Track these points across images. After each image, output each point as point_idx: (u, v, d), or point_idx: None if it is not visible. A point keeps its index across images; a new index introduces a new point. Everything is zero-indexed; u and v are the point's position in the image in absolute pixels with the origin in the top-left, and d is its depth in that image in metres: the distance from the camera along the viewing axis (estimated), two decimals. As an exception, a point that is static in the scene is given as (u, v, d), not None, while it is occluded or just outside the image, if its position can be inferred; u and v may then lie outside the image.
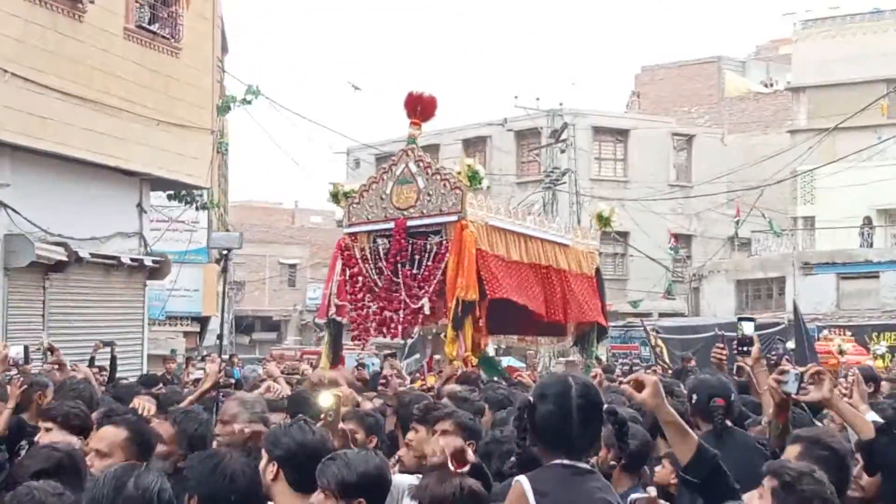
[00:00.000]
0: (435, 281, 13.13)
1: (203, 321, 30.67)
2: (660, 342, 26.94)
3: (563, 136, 41.76)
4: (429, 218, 13.41)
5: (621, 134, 45.89)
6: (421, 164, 13.56)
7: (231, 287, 40.13)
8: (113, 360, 16.72)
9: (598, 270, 16.57)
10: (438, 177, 13.42)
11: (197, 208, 23.89)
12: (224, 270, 9.20)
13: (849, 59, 41.82)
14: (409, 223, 13.49)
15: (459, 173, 13.29)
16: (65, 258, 18.15)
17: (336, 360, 14.06)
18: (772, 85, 52.99)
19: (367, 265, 13.81)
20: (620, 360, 29.26)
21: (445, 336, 13.21)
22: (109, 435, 5.59)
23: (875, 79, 40.59)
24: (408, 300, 13.27)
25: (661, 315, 40.11)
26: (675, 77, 52.03)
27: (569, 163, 41.93)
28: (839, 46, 42.61)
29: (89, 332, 18.44)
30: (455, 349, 12.63)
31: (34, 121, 17.10)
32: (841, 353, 21.78)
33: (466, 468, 4.89)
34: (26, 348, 8.12)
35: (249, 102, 24.55)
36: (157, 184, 21.32)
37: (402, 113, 13.66)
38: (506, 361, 26.08)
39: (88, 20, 18.34)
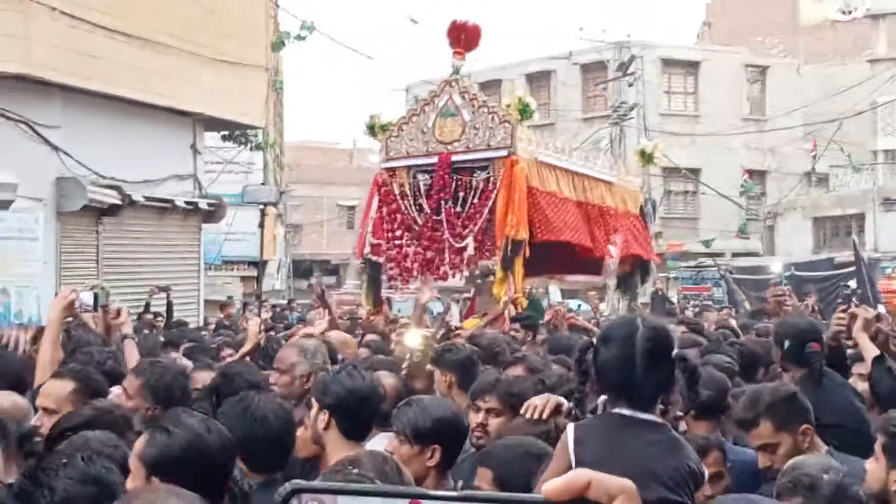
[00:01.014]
0: (481, 219, 12.58)
1: (261, 265, 30.05)
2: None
3: (631, 70, 40.75)
4: (475, 153, 12.82)
5: (691, 66, 44.59)
6: (466, 97, 12.92)
7: (288, 230, 39.79)
8: (169, 305, 16.68)
9: (642, 209, 16.22)
10: (486, 109, 12.80)
11: (251, 149, 23.43)
12: (261, 226, 8.68)
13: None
14: (454, 158, 12.88)
15: (509, 106, 12.71)
16: (118, 201, 17.95)
17: (377, 301, 13.55)
18: (850, 12, 51.42)
19: (405, 202, 13.20)
20: (692, 302, 28.46)
21: (492, 277, 12.75)
22: (56, 389, 5.40)
23: (959, 4, 39.09)
24: (451, 239, 12.72)
25: (735, 255, 39.20)
26: (748, 6, 50.58)
27: (637, 97, 40.95)
28: (922, -29, 41.11)
29: (144, 277, 18.26)
30: (504, 290, 12.11)
31: (84, 60, 16.71)
32: None
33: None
34: (96, 295, 7.59)
35: (304, 38, 23.94)
36: (211, 124, 20.94)
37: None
38: (573, 304, 25.40)
39: (138, -45, 17.80)
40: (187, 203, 19.61)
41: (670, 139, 41.02)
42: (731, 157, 41.58)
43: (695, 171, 42.12)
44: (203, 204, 20.14)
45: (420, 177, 13.13)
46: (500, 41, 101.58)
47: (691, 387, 4.09)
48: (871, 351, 6.32)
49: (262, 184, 26.09)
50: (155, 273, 18.68)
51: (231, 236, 24.92)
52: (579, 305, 23.39)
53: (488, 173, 12.63)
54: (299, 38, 24.22)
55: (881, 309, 7.13)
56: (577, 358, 4.11)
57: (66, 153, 16.97)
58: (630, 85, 40.76)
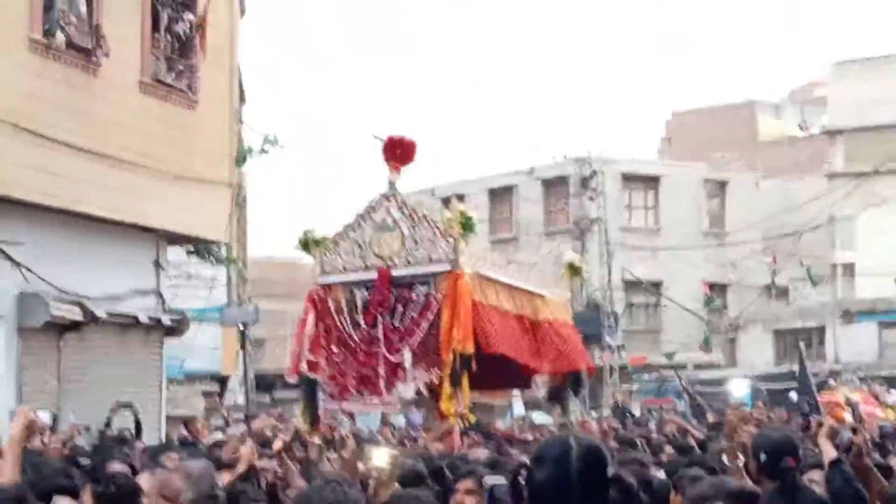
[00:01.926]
0: (420, 333, 12.48)
1: (223, 380, 30.05)
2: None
3: (592, 184, 41.21)
4: (417, 267, 12.77)
5: (652, 181, 45.09)
6: (405, 211, 12.96)
7: (251, 344, 39.70)
8: (137, 422, 16.39)
9: (574, 319, 16.25)
10: (426, 223, 12.83)
11: (214, 263, 23.44)
12: (242, 347, 8.69)
13: (886, 101, 40.87)
14: (395, 273, 12.84)
15: (450, 220, 12.69)
16: (80, 318, 17.83)
17: (315, 420, 13.30)
18: (807, 128, 52.24)
19: (341, 318, 13.10)
20: (656, 414, 28.51)
21: (432, 393, 12.65)
22: None
23: (913, 120, 39.71)
24: (387, 354, 12.59)
25: (697, 367, 39.32)
26: (707, 121, 51.28)
27: (598, 212, 41.33)
28: (875, 88, 41.67)
29: (106, 393, 18.03)
30: (453, 406, 12.03)
31: (48, 178, 16.76)
32: (848, 403, 21.09)
33: None
34: (55, 415, 7.60)
35: (266, 152, 24.07)
36: (175, 239, 20.91)
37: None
38: (537, 416, 25.45)
39: (103, 74, 18.03)
40: (150, 318, 19.52)
41: (632, 253, 41.43)
42: (692, 270, 41.90)
43: (656, 285, 42.46)
44: (166, 319, 20.06)
45: (357, 292, 13.04)
46: (462, 157, 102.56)
47: None
48: (830, 454, 6.43)
49: (238, 304, 26.09)
50: (117, 389, 18.52)
51: (194, 350, 24.82)
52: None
53: (429, 287, 12.56)
54: (262, 151, 24.40)
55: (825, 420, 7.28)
56: (511, 480, 3.96)
57: (28, 269, 16.93)
58: (591, 200, 41.18)
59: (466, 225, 12.59)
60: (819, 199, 38.56)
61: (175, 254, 22.74)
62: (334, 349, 13.07)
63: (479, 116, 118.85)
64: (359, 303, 12.97)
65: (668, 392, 34.11)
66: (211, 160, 20.49)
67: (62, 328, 17.73)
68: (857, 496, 6.29)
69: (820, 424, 6.72)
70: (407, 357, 12.44)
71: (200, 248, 23.29)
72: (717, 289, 43.72)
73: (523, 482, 3.74)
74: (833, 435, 6.56)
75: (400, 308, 12.66)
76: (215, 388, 30.22)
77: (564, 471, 3.63)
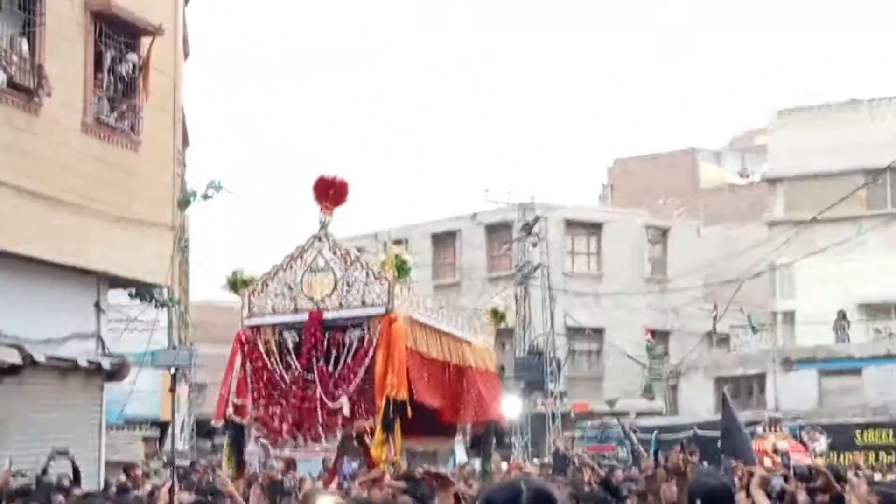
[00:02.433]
0: (357, 378, 12.13)
1: (163, 426, 29.67)
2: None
3: (535, 230, 41.24)
4: (349, 310, 12.39)
5: (594, 227, 45.31)
6: (337, 252, 12.58)
7: (192, 390, 39.28)
8: (75, 469, 16.12)
9: (500, 368, 16.06)
10: (359, 265, 12.46)
11: (156, 307, 23.17)
12: (171, 390, 8.44)
13: (826, 150, 41.24)
14: (326, 315, 12.44)
15: (384, 263, 12.38)
16: (19, 362, 17.59)
17: (240, 466, 12.93)
18: (748, 176, 52.78)
19: (272, 359, 12.66)
20: (598, 462, 28.39)
21: (361, 440, 12.23)
22: None
23: (853, 169, 39.82)
24: (325, 398, 12.17)
25: (639, 414, 39.38)
26: (649, 168, 51.72)
27: (541, 257, 41.33)
28: (816, 136, 42.07)
29: (44, 438, 17.76)
30: (384, 452, 11.67)
31: (-13, 218, 16.48)
32: (776, 451, 21.20)
33: None
34: None
35: (211, 197, 23.88)
36: (116, 282, 20.67)
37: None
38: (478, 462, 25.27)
39: (45, 114, 17.89)
40: (90, 362, 19.27)
41: (574, 299, 41.53)
42: (634, 316, 42.06)
43: (598, 331, 42.59)
44: (106, 363, 19.80)
45: (287, 334, 12.65)
46: (405, 201, 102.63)
47: None
48: None
49: (172, 347, 25.83)
50: (55, 434, 18.26)
51: (135, 395, 24.52)
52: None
53: (363, 331, 12.24)
54: (206, 196, 24.19)
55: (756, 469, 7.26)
56: None
57: (-33, 311, 16.70)
58: (534, 245, 41.20)
59: (401, 268, 12.34)
60: (760, 247, 38.79)
61: (116, 297, 22.49)
62: (263, 392, 12.66)
63: (422, 161, 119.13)
64: (290, 345, 12.57)
65: (610, 439, 34.07)
66: (153, 202, 20.32)
67: (0, 372, 17.44)
68: None
69: (751, 474, 6.56)
70: (345, 404, 12.07)
71: (142, 291, 23.02)
72: (659, 335, 43.89)
73: None
74: (765, 484, 6.50)
75: (334, 352, 12.31)
76: (156, 433, 29.86)
77: None
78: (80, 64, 18.93)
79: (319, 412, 12.20)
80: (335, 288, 12.42)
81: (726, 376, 40.25)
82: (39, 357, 17.92)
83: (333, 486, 12.61)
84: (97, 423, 20.10)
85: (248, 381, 12.71)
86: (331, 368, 12.27)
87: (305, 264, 12.67)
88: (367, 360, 12.08)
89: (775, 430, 27.45)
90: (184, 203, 23.02)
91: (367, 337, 12.18)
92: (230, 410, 12.71)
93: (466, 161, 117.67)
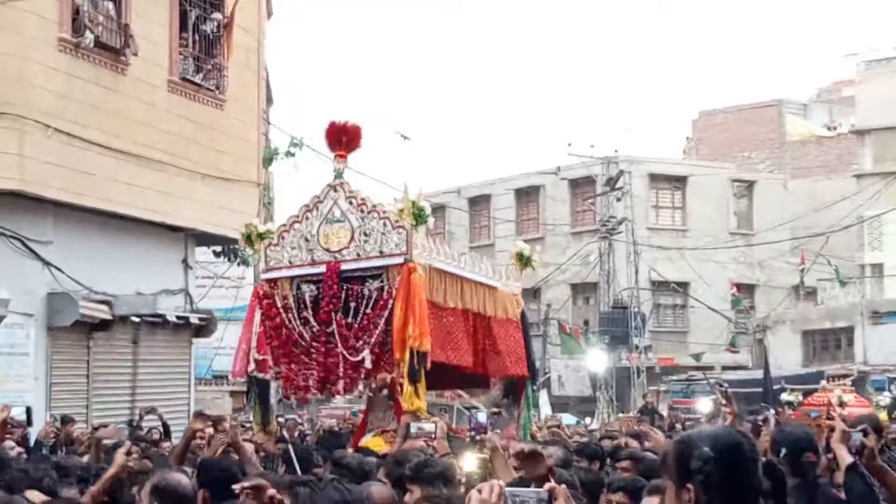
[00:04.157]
0: (377, 331, 11.74)
1: (251, 380, 29.64)
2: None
3: (619, 184, 41.00)
4: (367, 261, 12.04)
5: (679, 181, 44.92)
6: (353, 202, 12.21)
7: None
8: (164, 424, 16.24)
9: (522, 315, 15.11)
10: (376, 214, 12.09)
11: (239, 264, 23.40)
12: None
13: (915, 100, 40.64)
14: (344, 267, 12.11)
15: (402, 210, 11.99)
16: (109, 317, 17.84)
17: (267, 421, 12.78)
18: (835, 128, 51.91)
19: (289, 315, 12.34)
20: (684, 416, 28.29)
21: (382, 391, 12.12)
22: None
23: (943, 119, 39.36)
24: (345, 353, 11.83)
25: (725, 368, 39.16)
26: (734, 121, 51.05)
27: (625, 211, 41.09)
28: (904, 87, 41.41)
29: (134, 392, 18.13)
30: (422, 403, 11.44)
31: (77, 177, 16.80)
32: (841, 404, 20.86)
33: None
34: (29, 409, 7.46)
35: (293, 154, 24.06)
36: (202, 239, 20.92)
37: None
38: (567, 418, 25.35)
39: (132, 73, 18.08)
40: (178, 318, 19.57)
41: (659, 253, 41.26)
42: (720, 270, 41.70)
43: (683, 285, 42.26)
44: (194, 318, 20.10)
45: (305, 287, 12.30)
46: (488, 156, 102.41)
47: None
48: (846, 460, 6.31)
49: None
50: (145, 388, 18.62)
51: (221, 351, 24.82)
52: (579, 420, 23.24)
53: (382, 282, 11.89)
54: (289, 153, 24.41)
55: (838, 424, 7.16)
56: (702, 470, 3.77)
57: (57, 268, 16.99)
58: (618, 200, 40.96)
59: (419, 216, 11.93)
60: (847, 200, 38.29)
61: (203, 254, 22.78)
62: (284, 348, 12.35)
63: (505, 116, 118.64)
64: (307, 299, 12.22)
65: (695, 393, 33.90)
66: (239, 159, 20.51)
67: (91, 327, 17.78)
68: (876, 499, 6.21)
69: (832, 429, 6.51)
70: (367, 356, 11.74)
71: (227, 248, 23.28)
72: (745, 289, 43.44)
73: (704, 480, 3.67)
74: (846, 439, 6.44)
75: (353, 304, 11.93)
76: (243, 388, 30.05)
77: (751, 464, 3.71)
78: (165, 23, 19.13)
79: (342, 366, 11.91)
80: (352, 238, 12.13)
81: (813, 329, 39.90)
82: (129, 313, 18.23)
83: (365, 440, 12.08)
84: (186, 378, 20.43)
85: (268, 336, 12.47)
86: (350, 320, 11.92)
87: (322, 215, 12.36)
88: (386, 312, 11.72)
89: (841, 382, 27.06)
90: (267, 160, 23.26)
91: (386, 287, 11.84)
92: (252, 366, 12.52)
93: (549, 115, 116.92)
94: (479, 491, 3.69)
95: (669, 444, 4.08)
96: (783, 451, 6.49)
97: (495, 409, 17.04)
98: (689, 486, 3.62)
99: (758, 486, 3.72)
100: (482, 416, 14.06)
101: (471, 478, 5.06)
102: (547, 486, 3.85)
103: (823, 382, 26.23)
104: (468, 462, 4.99)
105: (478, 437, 11.28)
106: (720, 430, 4.10)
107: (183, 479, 6.14)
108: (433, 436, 9.51)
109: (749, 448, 3.71)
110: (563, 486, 3.83)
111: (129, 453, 6.68)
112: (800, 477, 6.32)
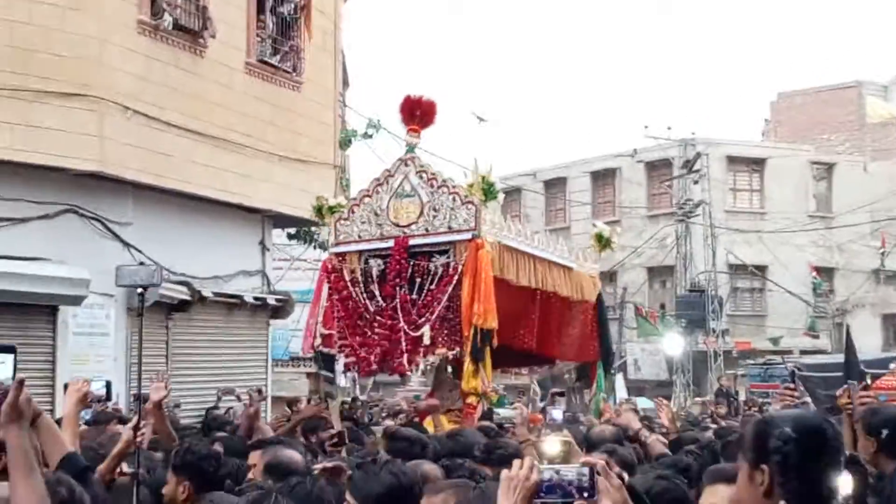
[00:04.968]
0: (439, 307, 11.71)
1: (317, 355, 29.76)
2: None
3: (696, 167, 40.64)
4: (436, 236, 12.08)
5: (757, 163, 44.44)
6: (424, 176, 12.21)
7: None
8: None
9: (599, 297, 15.13)
10: (446, 189, 12.07)
11: (316, 247, 23.46)
12: (140, 315, 8.27)
13: None
14: (412, 241, 12.13)
15: (472, 186, 11.96)
16: (188, 297, 18.01)
17: (332, 396, 12.78)
18: (917, 109, 51.10)
19: (356, 289, 12.38)
20: (762, 400, 27.98)
21: (447, 369, 12.18)
22: None
23: None
24: (406, 328, 11.85)
25: (803, 352, 38.66)
26: (813, 103, 50.38)
27: (702, 194, 40.77)
28: None
29: (213, 372, 18.29)
30: (478, 383, 11.39)
31: (156, 158, 16.89)
32: None
33: None
34: (108, 384, 7.50)
35: (371, 136, 24.09)
36: (279, 221, 20.99)
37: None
38: (641, 401, 25.13)
39: (210, 55, 18.14)
40: (256, 299, 19.68)
41: (736, 236, 40.87)
42: (798, 254, 41.26)
43: (761, 269, 41.86)
44: (271, 300, 20.19)
45: (372, 262, 12.35)
46: (564, 139, 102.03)
47: None
48: None
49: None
50: (224, 368, 18.75)
51: (298, 332, 24.89)
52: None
53: (448, 257, 11.87)
54: (366, 136, 24.46)
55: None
56: (779, 450, 3.70)
57: (137, 249, 17.09)
58: (695, 182, 40.62)
59: (488, 192, 11.91)
60: (928, 182, 37.69)
61: (279, 236, 22.88)
62: (349, 322, 12.36)
63: (581, 98, 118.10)
64: (374, 273, 12.31)
65: (774, 377, 33.50)
66: (316, 141, 20.56)
67: (170, 308, 17.93)
68: None
69: None
70: (426, 333, 11.72)
71: (302, 231, 23.38)
72: (824, 273, 42.96)
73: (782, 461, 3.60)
74: None
75: (417, 279, 11.96)
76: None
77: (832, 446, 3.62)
78: (242, 5, 19.19)
79: (403, 342, 11.88)
80: (421, 213, 12.12)
81: (895, 313, 39.35)
82: (207, 293, 18.35)
83: (428, 421, 11.83)
84: (264, 359, 20.54)
85: (335, 310, 12.46)
86: (414, 296, 11.92)
87: (392, 189, 12.37)
88: (450, 288, 11.69)
89: None
90: (344, 143, 23.29)
91: (452, 263, 11.80)
92: (318, 341, 12.59)
93: (626, 97, 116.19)
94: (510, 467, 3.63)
95: (750, 423, 3.95)
96: (884, 432, 6.20)
97: (558, 391, 16.94)
98: (764, 466, 3.55)
99: (836, 475, 3.60)
100: (557, 413, 13.95)
101: (553, 462, 4.95)
102: (584, 458, 3.77)
103: (892, 366, 25.82)
104: (550, 445, 4.88)
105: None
106: (804, 412, 4.05)
107: (295, 455, 6.20)
108: (514, 422, 9.45)
109: (833, 435, 3.62)
110: (604, 460, 3.73)
111: (136, 428, 6.68)
112: None
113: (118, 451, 6.71)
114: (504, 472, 3.61)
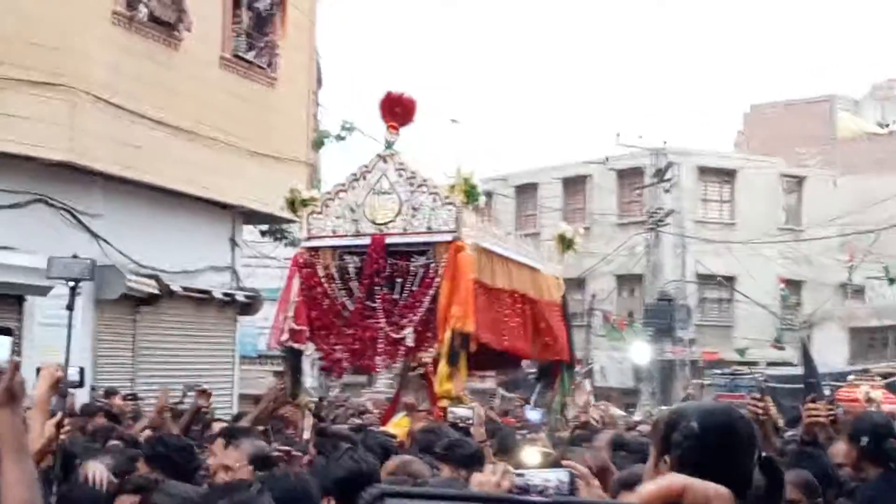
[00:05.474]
0: (422, 309, 11.43)
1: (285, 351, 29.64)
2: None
3: (668, 176, 40.76)
4: (415, 236, 11.70)
5: (728, 174, 44.55)
6: (403, 174, 11.84)
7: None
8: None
9: (563, 299, 14.87)
10: (426, 189, 11.74)
11: (286, 245, 23.39)
12: (70, 308, 8.16)
13: (969, 98, 40.25)
14: (389, 240, 11.76)
15: (453, 187, 11.64)
16: (156, 291, 17.93)
17: (297, 393, 12.01)
18: (887, 125, 51.43)
19: (332, 285, 11.97)
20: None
21: (419, 373, 11.93)
22: None
23: None
24: (387, 329, 11.50)
25: (770, 364, 38.80)
26: (785, 116, 50.61)
27: (673, 203, 40.88)
28: (960, 86, 41.04)
29: (180, 367, 18.17)
30: (453, 387, 11.04)
31: (127, 150, 16.84)
32: (869, 401, 20.57)
33: None
34: (82, 370, 7.41)
35: (344, 139, 24.02)
36: (250, 217, 20.93)
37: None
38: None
39: (184, 48, 18.11)
40: (225, 294, 19.60)
41: (706, 246, 40.99)
42: (767, 265, 41.42)
43: (730, 279, 42.02)
44: (240, 296, 20.12)
45: (348, 258, 11.98)
46: (536, 145, 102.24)
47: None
48: None
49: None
50: (191, 364, 18.63)
51: (266, 330, 24.76)
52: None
53: (428, 258, 11.57)
54: (339, 137, 24.38)
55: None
56: (683, 444, 3.50)
57: (106, 241, 17.01)
58: (666, 191, 40.74)
59: (470, 193, 11.62)
60: (897, 198, 37.87)
61: (249, 233, 22.80)
62: (323, 320, 11.99)
63: (553, 105, 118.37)
64: (351, 271, 11.88)
65: (739, 388, 33.59)
66: (289, 138, 20.50)
67: (138, 301, 17.83)
68: None
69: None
70: (409, 335, 11.44)
71: (273, 228, 23.30)
72: (792, 285, 43.14)
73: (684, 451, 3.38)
74: None
75: (398, 279, 11.62)
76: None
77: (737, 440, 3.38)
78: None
79: (382, 342, 11.60)
80: (399, 212, 11.77)
81: (861, 327, 39.56)
82: (176, 287, 18.27)
83: (394, 421, 11.87)
84: (231, 356, 20.47)
85: (308, 306, 12.05)
86: (395, 296, 11.62)
87: (369, 185, 11.98)
88: (432, 290, 11.43)
89: (871, 380, 26.70)
90: (318, 143, 23.21)
91: (432, 265, 11.52)
92: (285, 336, 12.11)
93: (598, 105, 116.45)
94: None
95: (664, 412, 3.82)
96: (864, 439, 6.21)
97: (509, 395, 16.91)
98: (666, 458, 3.35)
99: (741, 479, 3.28)
100: (534, 414, 13.78)
101: None
102: (566, 463, 3.65)
103: (851, 377, 25.93)
104: (530, 457, 4.75)
105: (528, 436, 11.13)
106: (718, 406, 3.79)
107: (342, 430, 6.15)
108: (470, 421, 9.37)
109: (745, 434, 3.36)
110: (587, 467, 3.64)
111: (59, 426, 6.50)
112: (883, 466, 6.07)
113: (40, 447, 6.56)
114: (475, 477, 3.51)
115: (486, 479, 3.46)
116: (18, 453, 3.72)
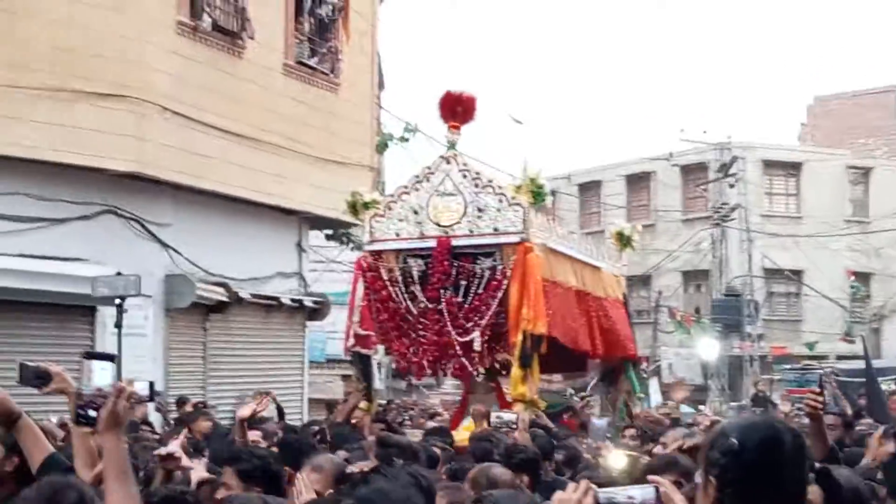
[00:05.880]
0: (489, 312, 11.36)
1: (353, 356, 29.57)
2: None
3: (732, 171, 40.39)
4: (481, 237, 11.63)
5: (794, 167, 44.14)
6: (467, 175, 11.79)
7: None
8: (279, 407, 16.24)
9: (625, 297, 14.94)
10: (491, 190, 11.69)
11: (352, 249, 23.45)
12: (118, 325, 8.05)
13: None
14: (455, 242, 11.67)
15: (519, 188, 11.60)
16: (225, 299, 17.99)
17: (369, 398, 12.34)
18: (955, 114, 50.69)
19: (396, 289, 11.90)
20: (796, 405, 27.72)
21: (486, 378, 11.90)
22: None
23: None
24: (453, 333, 11.41)
25: (840, 357, 38.37)
26: (850, 107, 50.03)
27: (738, 198, 40.51)
28: None
29: (250, 373, 18.27)
30: (527, 390, 11.05)
31: (194, 159, 16.93)
32: None
33: None
34: (152, 384, 7.48)
35: (407, 140, 24.03)
36: (316, 222, 20.97)
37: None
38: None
39: (248, 57, 18.18)
40: (293, 300, 19.68)
41: (772, 240, 40.59)
42: (835, 258, 40.98)
43: (797, 273, 41.57)
44: (308, 301, 20.19)
45: (412, 261, 11.91)
46: (599, 142, 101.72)
47: None
48: None
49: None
50: (260, 370, 18.73)
51: (333, 335, 24.85)
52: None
53: (494, 260, 11.50)
54: (402, 139, 24.42)
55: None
56: (718, 463, 3.38)
57: (175, 250, 17.15)
58: (731, 186, 40.37)
59: (537, 194, 11.56)
60: (967, 187, 37.35)
61: (316, 237, 22.86)
62: (392, 324, 11.95)
63: (617, 101, 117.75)
64: (415, 273, 11.85)
65: (810, 382, 33.25)
66: (352, 143, 20.53)
67: (208, 309, 17.94)
68: None
69: None
70: (476, 339, 11.38)
71: (339, 232, 23.36)
72: (860, 277, 42.60)
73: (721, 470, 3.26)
74: None
75: (463, 282, 11.54)
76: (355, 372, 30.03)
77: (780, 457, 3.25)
78: (280, 7, 19.22)
79: (458, 346, 11.51)
80: (465, 213, 11.71)
81: (932, 319, 39.09)
82: (244, 294, 18.36)
83: (464, 426, 11.75)
84: (300, 361, 20.55)
85: (374, 310, 12.05)
86: (460, 299, 11.55)
87: (433, 187, 11.94)
88: (499, 293, 11.36)
89: None
90: (381, 146, 23.24)
91: (499, 267, 11.46)
92: (351, 341, 12.25)
93: (661, 100, 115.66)
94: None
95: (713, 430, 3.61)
96: None
97: (583, 395, 16.82)
98: (711, 478, 3.23)
99: (792, 494, 3.24)
100: (601, 422, 13.64)
101: (620, 475, 4.71)
102: (652, 479, 3.55)
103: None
104: (616, 460, 4.67)
105: (595, 445, 11.00)
106: (760, 420, 3.64)
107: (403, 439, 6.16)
108: (514, 426, 9.28)
109: (792, 447, 3.22)
110: (671, 481, 3.55)
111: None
112: None
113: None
114: (557, 495, 3.46)
115: (567, 496, 3.40)
116: (123, 476, 3.79)
